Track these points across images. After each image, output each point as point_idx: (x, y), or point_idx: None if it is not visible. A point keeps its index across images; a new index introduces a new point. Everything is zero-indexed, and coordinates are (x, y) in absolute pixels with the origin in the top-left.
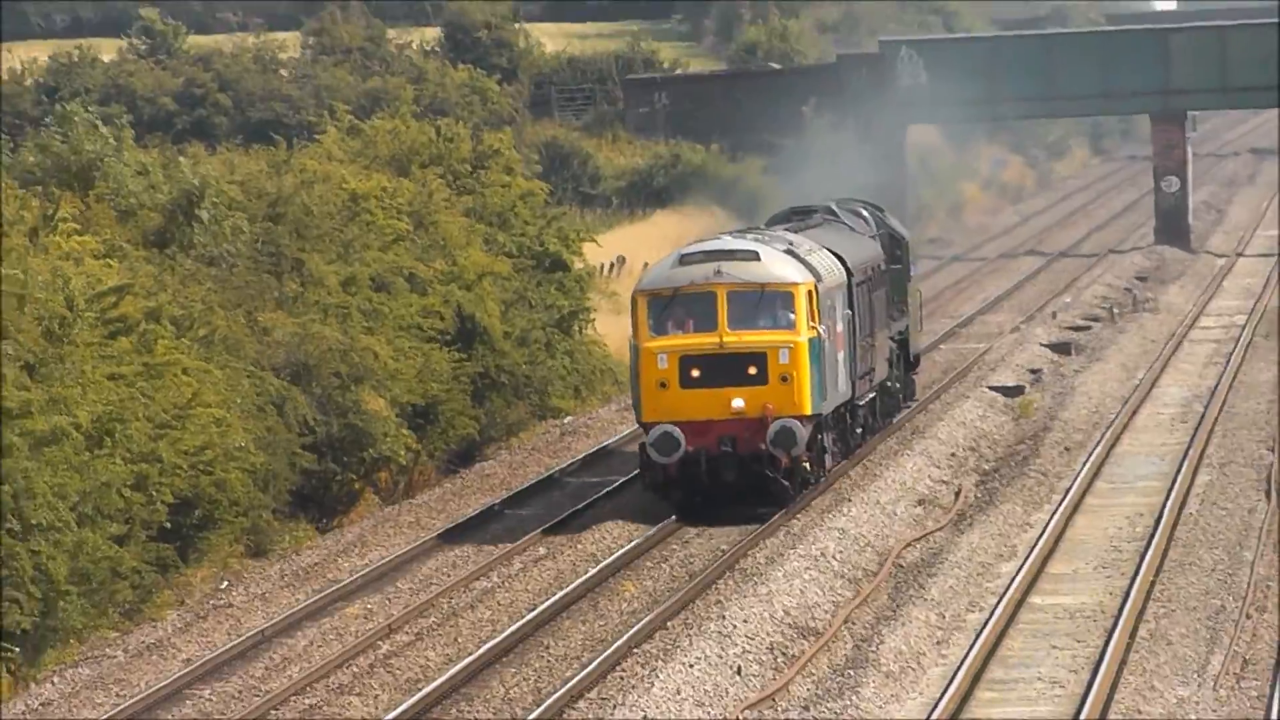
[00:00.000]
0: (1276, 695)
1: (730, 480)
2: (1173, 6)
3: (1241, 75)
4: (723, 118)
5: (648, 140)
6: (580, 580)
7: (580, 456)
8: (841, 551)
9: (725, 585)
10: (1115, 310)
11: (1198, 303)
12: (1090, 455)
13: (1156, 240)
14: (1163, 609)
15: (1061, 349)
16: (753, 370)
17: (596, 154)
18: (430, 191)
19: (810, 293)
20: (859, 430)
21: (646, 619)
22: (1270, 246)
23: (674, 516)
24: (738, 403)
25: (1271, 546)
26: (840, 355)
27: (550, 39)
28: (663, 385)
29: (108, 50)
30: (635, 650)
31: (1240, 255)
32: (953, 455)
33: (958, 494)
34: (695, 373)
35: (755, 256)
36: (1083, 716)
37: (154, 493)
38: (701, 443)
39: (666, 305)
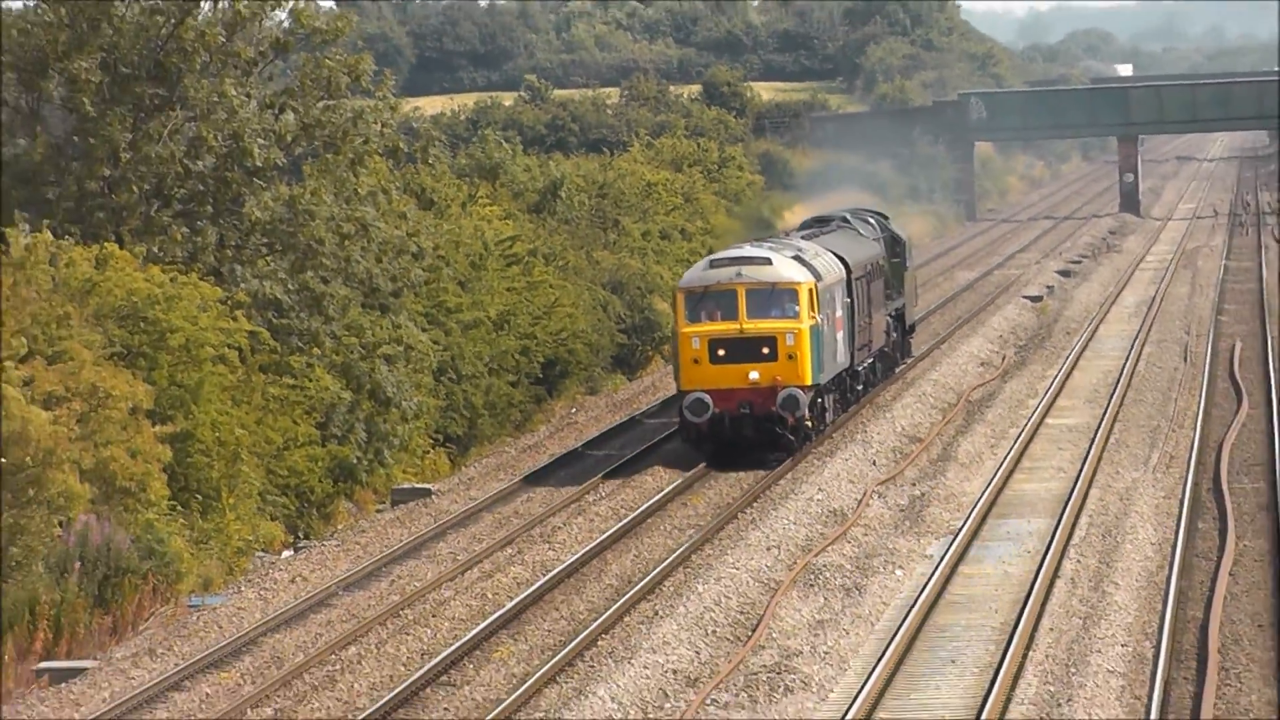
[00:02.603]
0: (1189, 477)
1: (748, 435)
2: (1130, 73)
3: (1171, 114)
4: (866, 138)
5: (823, 151)
6: None
7: None
8: (935, 392)
9: (865, 413)
10: (1095, 251)
11: (1144, 247)
12: (1082, 336)
13: (1120, 210)
14: (1123, 427)
15: (1064, 273)
16: (765, 350)
17: (793, 160)
18: (693, 180)
19: (811, 290)
20: (859, 388)
21: (821, 434)
22: (1188, 214)
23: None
24: (754, 375)
25: (1186, 390)
26: (839, 335)
27: (765, 91)
28: (696, 361)
29: (507, 99)
30: (813, 451)
31: (1170, 220)
32: (1001, 336)
33: (1003, 359)
34: (721, 352)
35: (768, 262)
36: (1077, 488)
37: (532, 356)
38: (726, 406)
39: (700, 299)
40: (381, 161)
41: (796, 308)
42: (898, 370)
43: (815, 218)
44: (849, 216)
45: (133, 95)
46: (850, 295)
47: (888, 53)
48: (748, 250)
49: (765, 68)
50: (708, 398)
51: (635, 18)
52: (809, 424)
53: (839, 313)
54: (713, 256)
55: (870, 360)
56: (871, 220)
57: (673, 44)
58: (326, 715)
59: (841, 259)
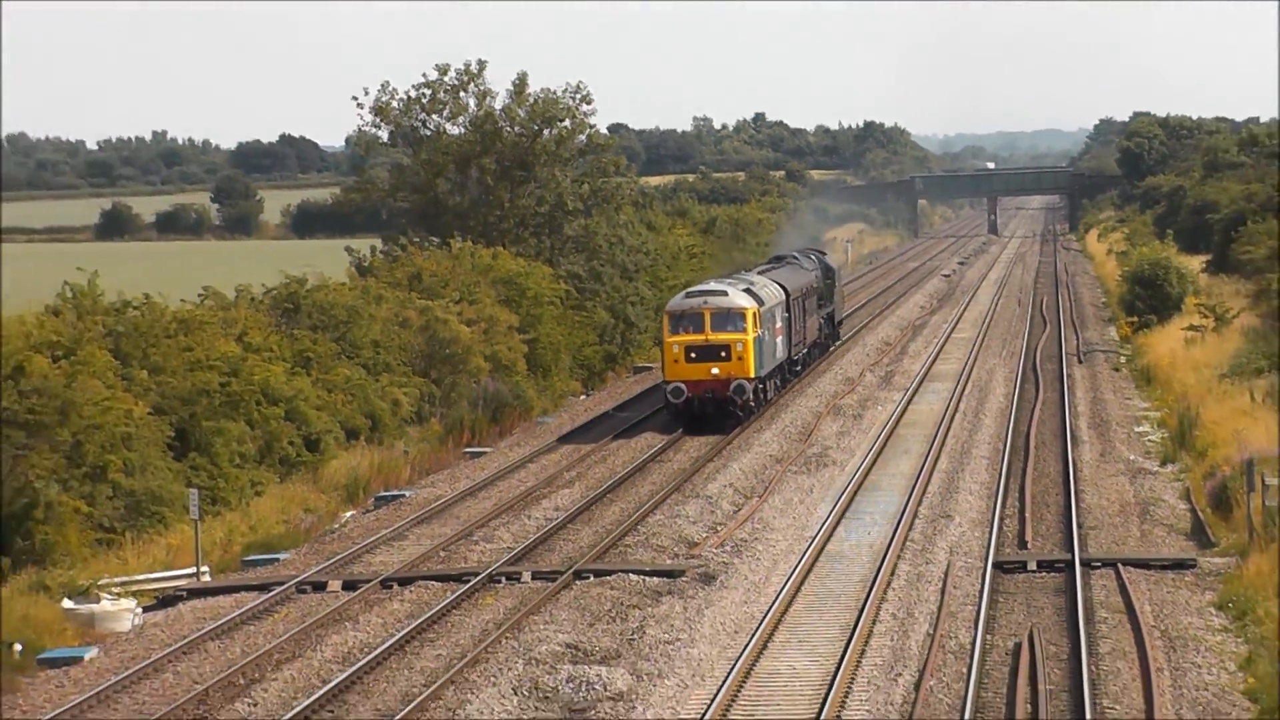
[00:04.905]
0: (1021, 361)
1: (710, 412)
2: (993, 167)
3: (1014, 186)
4: (864, 198)
5: (843, 204)
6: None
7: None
8: (896, 321)
9: (863, 331)
10: (976, 253)
11: (1000, 251)
12: (969, 296)
13: (988, 233)
14: (989, 337)
15: (962, 264)
16: (723, 354)
17: (830, 208)
18: (780, 218)
19: (755, 313)
20: (798, 370)
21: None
22: (1022, 236)
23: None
24: (715, 371)
25: (1020, 320)
26: (779, 340)
27: (816, 174)
28: (676, 361)
29: (690, 178)
30: (832, 352)
31: (1012, 238)
32: (930, 294)
33: (930, 305)
34: (693, 354)
35: (725, 293)
36: (966, 366)
37: None
38: (696, 392)
39: (679, 318)
40: (630, 208)
41: (744, 324)
42: (831, 350)
43: (775, 256)
44: (797, 254)
45: (511, 176)
46: (789, 311)
47: (875, 156)
48: (711, 285)
49: (816, 163)
50: (683, 386)
51: (753, 138)
52: (752, 404)
53: (779, 324)
54: (688, 290)
55: (805, 351)
56: (813, 256)
57: (770, 151)
58: (598, 479)
59: (783, 286)
